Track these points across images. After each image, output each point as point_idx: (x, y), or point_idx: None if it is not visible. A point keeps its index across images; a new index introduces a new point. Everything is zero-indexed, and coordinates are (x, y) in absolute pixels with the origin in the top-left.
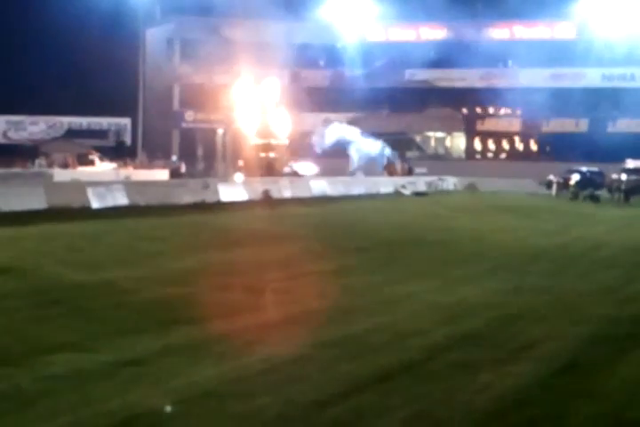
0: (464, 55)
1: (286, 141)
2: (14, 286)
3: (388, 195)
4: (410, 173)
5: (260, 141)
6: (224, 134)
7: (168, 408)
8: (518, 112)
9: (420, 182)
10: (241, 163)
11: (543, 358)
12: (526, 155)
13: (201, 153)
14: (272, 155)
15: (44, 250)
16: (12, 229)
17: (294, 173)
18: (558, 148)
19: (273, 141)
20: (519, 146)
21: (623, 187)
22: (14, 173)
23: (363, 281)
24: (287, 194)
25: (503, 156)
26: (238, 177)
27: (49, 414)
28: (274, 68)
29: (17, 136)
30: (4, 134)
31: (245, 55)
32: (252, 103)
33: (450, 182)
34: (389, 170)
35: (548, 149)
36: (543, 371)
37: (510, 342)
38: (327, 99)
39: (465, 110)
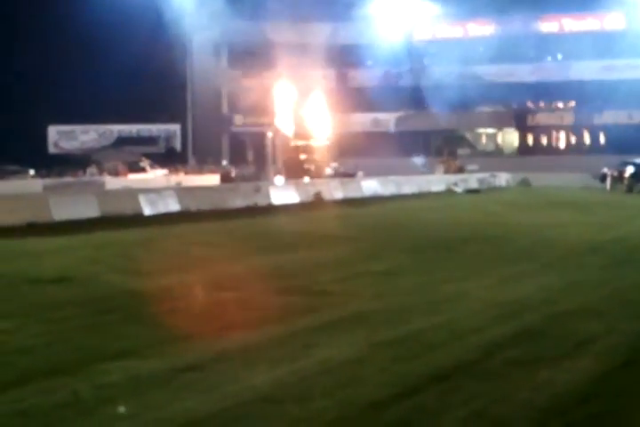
0: (513, 50)
1: (326, 142)
2: (69, 295)
3: (439, 193)
4: (461, 170)
5: (299, 143)
6: (273, 137)
7: (226, 413)
8: (570, 105)
9: (471, 179)
10: (280, 165)
11: (602, 353)
12: (579, 148)
13: (251, 157)
14: (303, 156)
15: (97, 258)
16: (65, 238)
17: (344, 174)
18: (612, 140)
19: (312, 143)
20: (572, 140)
21: None
22: (66, 183)
23: (417, 280)
24: (338, 195)
25: (556, 150)
26: (279, 180)
27: (108, 422)
28: (321, 69)
29: (68, 146)
30: (56, 144)
31: (292, 57)
32: (292, 105)
33: (502, 179)
34: (447, 166)
35: (601, 141)
36: (603, 367)
37: (568, 339)
38: (375, 98)
39: (515, 105)
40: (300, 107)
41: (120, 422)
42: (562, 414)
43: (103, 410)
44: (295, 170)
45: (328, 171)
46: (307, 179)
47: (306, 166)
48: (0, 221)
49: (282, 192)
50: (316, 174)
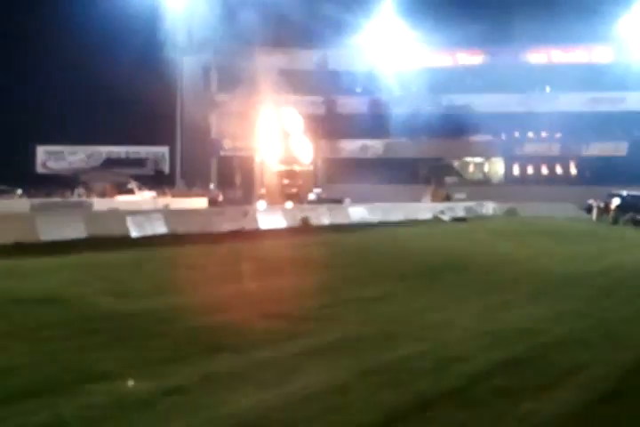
0: (501, 80)
1: (310, 168)
2: (56, 316)
3: (426, 221)
4: (449, 198)
5: (283, 168)
6: (261, 162)
7: None
8: (557, 136)
9: (458, 208)
10: (263, 190)
11: (587, 384)
12: (566, 179)
13: (239, 181)
14: (285, 181)
15: (84, 279)
16: (52, 259)
17: (330, 200)
18: (598, 172)
19: (295, 168)
20: (559, 170)
21: None
22: (54, 203)
23: (403, 308)
24: (326, 221)
25: (542, 180)
26: (261, 204)
27: None
28: (309, 95)
29: (56, 166)
30: (44, 164)
31: (281, 83)
32: (275, 130)
33: (489, 207)
34: (434, 195)
35: (587, 173)
36: (588, 398)
37: (553, 369)
38: (364, 125)
39: (503, 135)
40: (286, 132)
41: None
42: None
43: None
44: (277, 195)
45: (311, 196)
46: (289, 204)
47: (288, 192)
48: None
49: (269, 217)
50: (299, 200)
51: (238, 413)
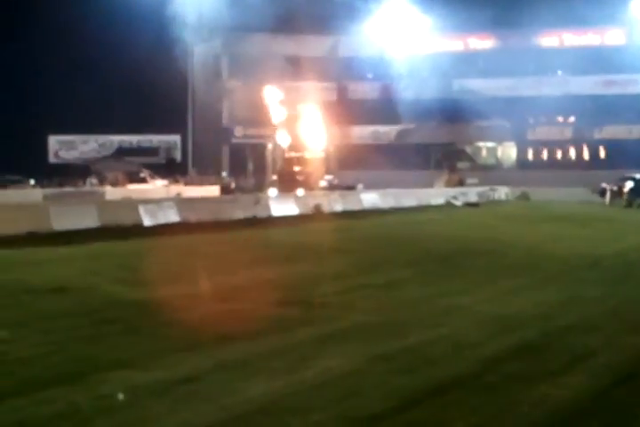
0: (513, 64)
1: (321, 155)
2: (69, 305)
3: (439, 206)
4: (461, 183)
5: (293, 155)
6: (273, 149)
7: (223, 425)
8: (570, 120)
9: (471, 193)
10: (274, 177)
11: (600, 369)
12: (579, 163)
13: (251, 168)
14: (297, 168)
15: (97, 269)
16: (65, 249)
17: (343, 187)
18: (611, 155)
19: (306, 155)
20: (571, 154)
21: None
22: (67, 193)
23: (416, 293)
24: (338, 208)
25: (555, 164)
26: (272, 192)
27: None
28: (321, 81)
29: (68, 156)
30: (56, 154)
31: (292, 69)
32: (289, 117)
33: (502, 192)
34: (446, 180)
35: (600, 156)
36: (601, 382)
37: (566, 353)
38: (376, 111)
39: (515, 120)
40: (297, 119)
41: None
42: None
43: (101, 421)
44: (288, 182)
45: (322, 183)
46: (300, 191)
47: (299, 178)
48: (0, 231)
49: (281, 204)
50: (310, 187)
51: (251, 400)
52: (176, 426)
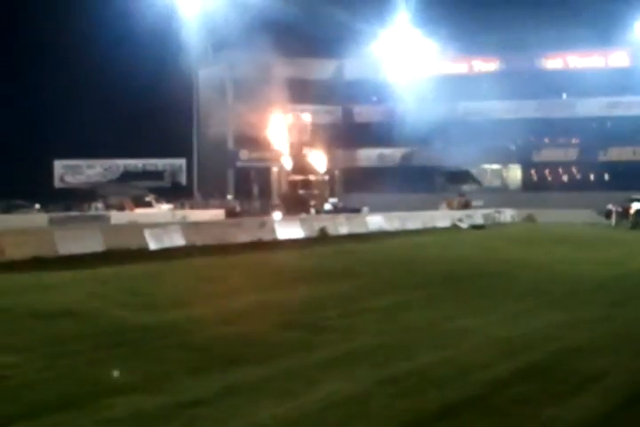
0: (518, 87)
1: (325, 178)
2: (76, 330)
3: (444, 229)
4: (467, 206)
5: (297, 178)
6: (278, 172)
7: None
8: (574, 142)
9: (477, 215)
10: (277, 201)
11: (608, 390)
12: (584, 185)
13: (256, 191)
14: (300, 191)
15: (103, 292)
16: (71, 273)
17: (348, 210)
18: (617, 177)
19: (311, 178)
20: (577, 176)
21: None
22: (72, 217)
23: (422, 316)
24: (344, 230)
25: (560, 186)
26: (277, 215)
27: None
28: (326, 104)
29: (74, 180)
30: (62, 178)
31: (297, 93)
32: (290, 140)
33: (507, 214)
34: (448, 204)
35: (606, 178)
36: (610, 404)
37: (574, 375)
38: (381, 134)
39: (520, 142)
40: (301, 142)
41: None
42: None
43: None
44: (293, 205)
45: (327, 206)
46: (304, 214)
47: (303, 201)
48: (6, 255)
49: (287, 227)
50: (315, 209)
51: (258, 424)
52: None
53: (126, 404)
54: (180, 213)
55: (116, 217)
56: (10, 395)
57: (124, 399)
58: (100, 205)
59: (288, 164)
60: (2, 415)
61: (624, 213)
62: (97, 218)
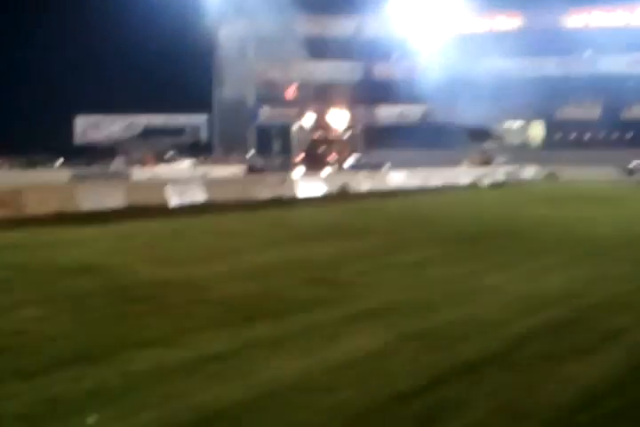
0: (540, 44)
1: (347, 135)
2: (97, 285)
3: (466, 186)
4: (489, 163)
5: (319, 135)
6: (299, 129)
7: (253, 402)
8: (598, 99)
9: (499, 172)
10: (300, 157)
11: (630, 346)
12: (607, 142)
13: (277, 148)
14: (323, 148)
15: (124, 248)
16: (92, 228)
17: (370, 166)
18: (639, 134)
19: (333, 134)
20: (599, 133)
21: None
22: (94, 173)
23: (445, 273)
24: (365, 187)
25: (583, 144)
26: (298, 172)
27: (135, 410)
28: (347, 61)
29: (95, 136)
30: (83, 134)
31: (318, 50)
32: (311, 98)
33: (529, 172)
34: (472, 160)
35: (629, 135)
36: (630, 360)
37: (596, 331)
38: (402, 91)
39: (543, 99)
40: (323, 99)
41: (147, 410)
42: (589, 407)
43: (129, 398)
44: (315, 162)
45: (349, 162)
46: (326, 171)
47: (325, 158)
48: (28, 211)
49: (308, 184)
50: (337, 166)
51: (280, 378)
52: (205, 403)
53: (148, 357)
54: (200, 170)
55: (138, 173)
56: (32, 348)
57: (146, 353)
58: (121, 161)
59: (309, 121)
60: (24, 368)
61: None
62: (118, 174)
